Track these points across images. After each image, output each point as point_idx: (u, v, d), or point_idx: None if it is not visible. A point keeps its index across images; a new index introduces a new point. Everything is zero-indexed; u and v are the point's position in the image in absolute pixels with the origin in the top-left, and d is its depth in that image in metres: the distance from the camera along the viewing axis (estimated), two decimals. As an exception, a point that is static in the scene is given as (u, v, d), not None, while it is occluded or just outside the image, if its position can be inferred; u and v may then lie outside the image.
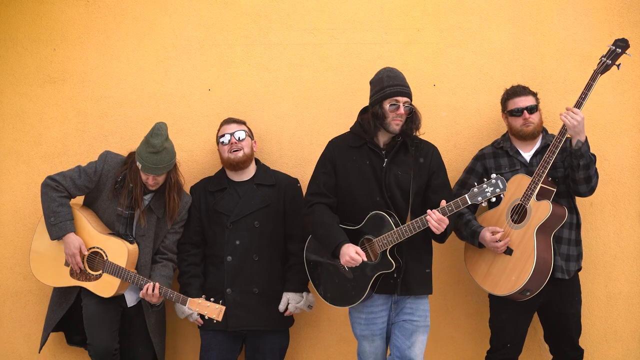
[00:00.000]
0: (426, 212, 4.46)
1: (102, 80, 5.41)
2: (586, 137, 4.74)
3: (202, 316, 4.92)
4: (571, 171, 4.81)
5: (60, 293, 5.01)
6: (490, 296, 4.99)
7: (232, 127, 5.05)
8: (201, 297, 4.74)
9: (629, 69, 5.34)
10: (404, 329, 4.62)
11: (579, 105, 4.72)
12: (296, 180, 5.17)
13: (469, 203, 4.43)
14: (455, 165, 5.29)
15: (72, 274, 4.88)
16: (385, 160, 4.64)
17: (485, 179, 4.45)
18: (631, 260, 5.35)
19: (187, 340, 5.39)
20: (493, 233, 4.78)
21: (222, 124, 5.13)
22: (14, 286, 5.41)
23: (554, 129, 5.15)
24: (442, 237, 4.61)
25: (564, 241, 4.90)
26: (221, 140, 5.04)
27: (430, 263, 4.74)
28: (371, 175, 4.63)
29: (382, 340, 4.70)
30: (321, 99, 5.42)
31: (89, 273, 4.85)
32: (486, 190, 4.43)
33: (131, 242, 4.89)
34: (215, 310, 4.67)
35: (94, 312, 4.87)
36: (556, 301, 4.88)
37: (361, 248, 4.56)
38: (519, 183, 4.82)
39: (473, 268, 4.92)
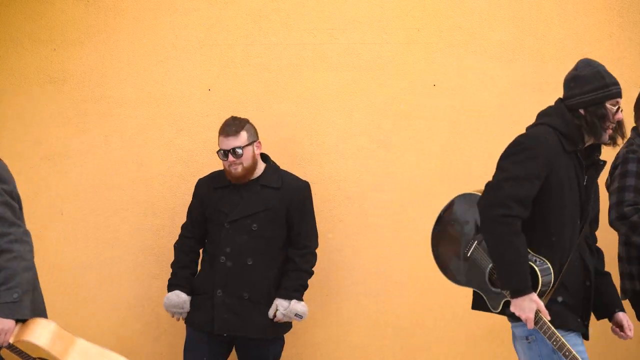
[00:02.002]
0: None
1: (102, 80, 5.40)
2: None
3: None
4: None
5: None
6: None
7: (229, 143, 4.71)
8: None
9: (629, 69, 5.34)
10: None
11: None
12: (306, 184, 4.95)
13: None
14: (456, 167, 5.29)
15: None
16: (586, 177, 3.59)
17: None
18: (631, 261, 5.35)
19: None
20: None
21: (219, 133, 4.82)
22: (14, 286, 5.40)
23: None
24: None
25: None
26: (218, 153, 4.80)
27: None
28: (577, 194, 3.55)
29: None
30: (321, 99, 5.42)
31: None
32: None
33: None
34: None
35: None
36: None
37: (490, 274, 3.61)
38: None
39: None
